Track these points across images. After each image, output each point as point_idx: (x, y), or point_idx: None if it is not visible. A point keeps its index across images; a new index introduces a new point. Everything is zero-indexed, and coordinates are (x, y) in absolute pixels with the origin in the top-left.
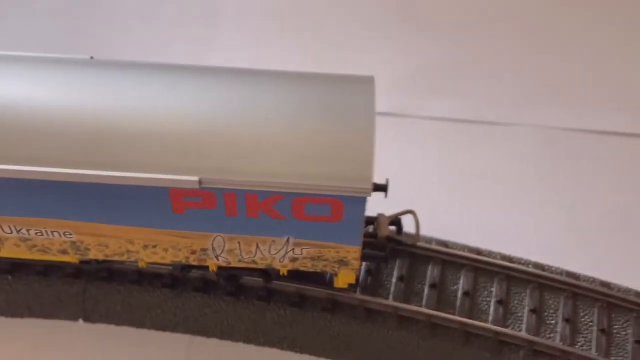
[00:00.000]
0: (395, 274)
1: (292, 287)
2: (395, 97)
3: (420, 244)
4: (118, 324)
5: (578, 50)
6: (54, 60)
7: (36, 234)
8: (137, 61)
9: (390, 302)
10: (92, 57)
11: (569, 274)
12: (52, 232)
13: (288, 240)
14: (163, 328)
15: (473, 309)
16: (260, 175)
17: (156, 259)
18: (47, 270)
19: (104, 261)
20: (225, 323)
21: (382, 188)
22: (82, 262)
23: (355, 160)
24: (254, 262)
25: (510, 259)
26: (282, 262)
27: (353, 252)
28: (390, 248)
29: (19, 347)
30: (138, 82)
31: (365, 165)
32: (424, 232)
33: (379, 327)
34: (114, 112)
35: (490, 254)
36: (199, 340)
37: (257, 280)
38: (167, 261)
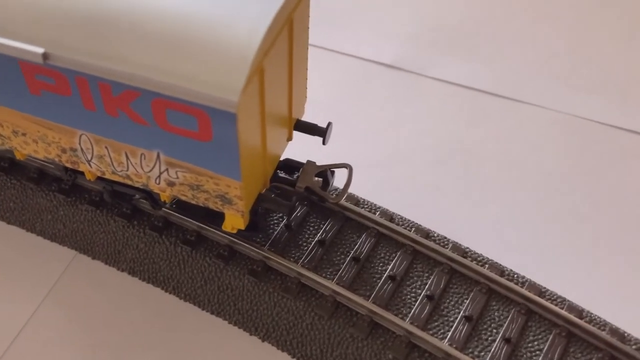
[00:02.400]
0: (318, 236)
1: (192, 224)
2: (407, 53)
3: (357, 209)
4: (9, 222)
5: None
6: None
7: None
8: None
9: (297, 266)
10: None
11: (533, 286)
12: None
13: (158, 156)
14: (51, 237)
15: (394, 299)
16: (114, 61)
17: (29, 150)
18: None
19: None
20: (113, 247)
21: (319, 131)
22: None
23: (228, 66)
24: (128, 177)
25: (463, 252)
26: (159, 183)
27: (234, 187)
28: (296, 200)
29: None
30: None
31: (237, 73)
32: (384, 199)
33: (274, 290)
34: None
35: (441, 240)
36: (83, 259)
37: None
38: (41, 156)
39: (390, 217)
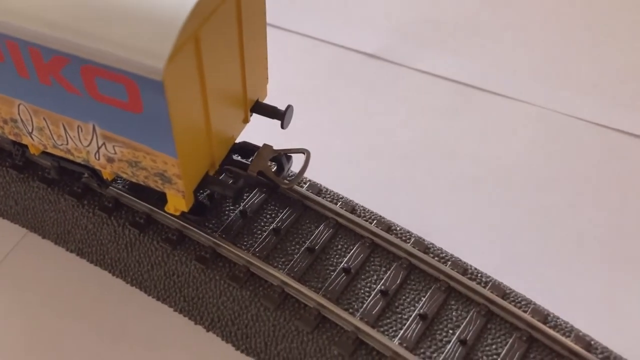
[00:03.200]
0: (273, 224)
1: (142, 205)
2: (389, 43)
3: (317, 198)
4: None
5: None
6: None
7: None
8: None
9: (247, 254)
10: None
11: (497, 287)
12: None
13: (94, 129)
14: (2, 214)
15: (346, 293)
16: (40, 23)
17: None
18: None
19: None
20: (62, 226)
21: (278, 114)
22: None
23: (156, 32)
24: (69, 151)
25: (426, 247)
26: (98, 159)
27: (171, 164)
28: (243, 184)
29: None
30: None
31: (165, 39)
32: (350, 191)
33: (221, 277)
34: None
35: (403, 234)
36: (34, 237)
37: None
38: None
39: (352, 208)
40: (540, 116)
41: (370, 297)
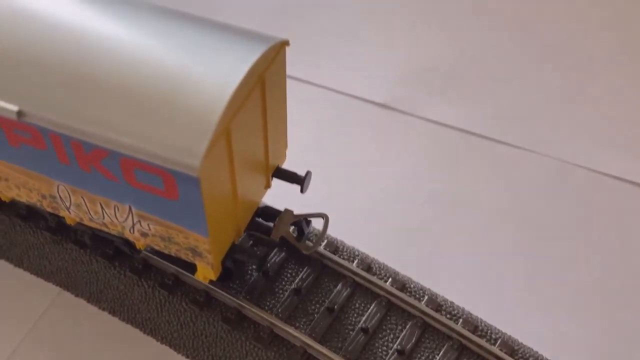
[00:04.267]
0: (294, 284)
1: (170, 267)
2: (399, 92)
3: (335, 257)
4: None
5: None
6: None
7: None
8: None
9: (270, 315)
10: None
11: (506, 344)
12: None
13: (130, 210)
14: (37, 273)
15: (365, 352)
16: (82, 121)
17: (13, 194)
18: None
19: None
20: (95, 286)
21: (298, 179)
22: None
23: (191, 129)
24: (105, 225)
25: (438, 305)
26: (133, 233)
27: (202, 242)
28: (266, 251)
29: None
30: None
31: (200, 138)
32: (364, 244)
33: (247, 339)
34: None
35: (417, 291)
36: (67, 296)
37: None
38: (24, 200)
39: (368, 265)
40: (544, 165)
41: (388, 356)
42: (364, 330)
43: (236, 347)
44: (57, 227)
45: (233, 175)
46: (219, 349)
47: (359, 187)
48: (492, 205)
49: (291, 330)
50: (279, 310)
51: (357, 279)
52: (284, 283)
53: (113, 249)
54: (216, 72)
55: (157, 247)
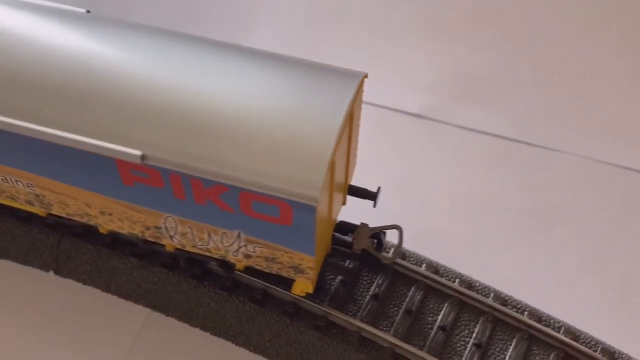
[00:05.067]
0: (372, 290)
1: (258, 283)
2: (432, 101)
3: (405, 263)
4: (85, 282)
5: None
6: (44, 9)
7: (2, 180)
8: (130, 22)
9: (356, 321)
10: (88, 11)
11: (569, 331)
12: (17, 182)
13: (239, 235)
14: (126, 296)
15: (446, 348)
16: (206, 162)
17: (114, 227)
18: (29, 216)
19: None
20: (186, 305)
21: (371, 196)
22: (51, 215)
23: (308, 164)
24: (209, 250)
25: (504, 301)
26: (236, 256)
27: (307, 260)
28: (360, 263)
29: None
30: (115, 44)
31: (317, 170)
32: (423, 249)
33: (338, 344)
34: (73, 68)
35: (483, 289)
36: (158, 316)
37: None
38: (125, 232)
39: (436, 269)
40: (586, 167)
41: (467, 350)
42: (442, 328)
43: (328, 353)
44: (144, 253)
45: (331, 198)
46: (312, 355)
47: (405, 197)
48: (531, 205)
49: (379, 332)
50: (363, 315)
51: (428, 282)
52: (361, 290)
53: (202, 270)
54: (320, 112)
55: (258, 267)
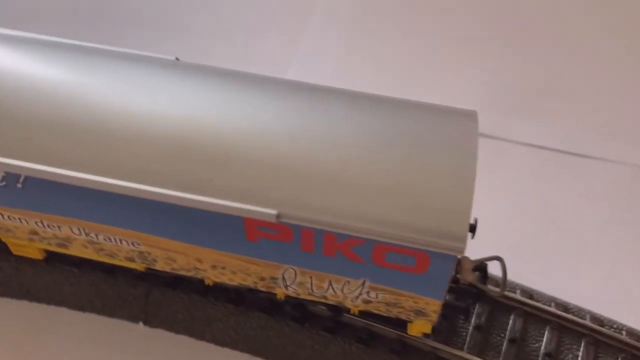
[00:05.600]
0: (473, 321)
1: (361, 322)
2: (484, 118)
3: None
4: (177, 331)
5: None
6: (136, 58)
7: (104, 239)
8: (223, 68)
9: (465, 353)
10: (177, 59)
11: None
12: (121, 240)
13: (364, 283)
14: (222, 343)
15: None
16: (342, 216)
17: (223, 279)
18: (114, 268)
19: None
20: (287, 348)
21: (469, 228)
22: (149, 269)
23: (449, 213)
24: (324, 297)
25: (600, 322)
26: (354, 302)
27: (433, 304)
28: (473, 299)
29: (77, 341)
30: (225, 95)
31: (460, 220)
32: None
33: None
34: (193, 126)
35: (578, 311)
36: None
37: (325, 309)
38: (235, 283)
39: (530, 294)
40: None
41: None
42: (548, 354)
43: None
44: (238, 297)
45: None
46: None
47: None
48: (598, 219)
49: None
50: (470, 347)
51: (526, 308)
52: (461, 322)
53: (301, 311)
54: (451, 158)
55: (375, 311)
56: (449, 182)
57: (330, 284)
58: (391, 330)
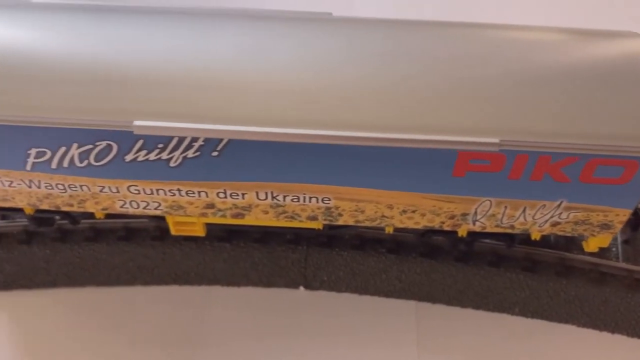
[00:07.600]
0: (619, 236)
1: (520, 251)
2: None
3: None
4: (339, 290)
5: None
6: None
7: (292, 200)
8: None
9: (621, 263)
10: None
11: None
12: (310, 199)
13: (560, 204)
14: (387, 294)
15: None
16: (566, 136)
17: (409, 224)
18: (265, 237)
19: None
20: (454, 289)
21: None
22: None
23: None
24: (512, 226)
25: None
26: (542, 227)
27: (622, 214)
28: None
29: (238, 312)
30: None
31: None
32: None
33: (614, 290)
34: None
35: None
36: (425, 305)
37: (486, 246)
38: (420, 226)
39: None
40: None
41: None
42: None
43: (608, 300)
44: (397, 246)
45: None
46: (592, 306)
47: None
48: None
49: None
50: (625, 259)
51: None
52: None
53: (464, 251)
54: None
55: (559, 233)
56: (626, 88)
57: (524, 210)
58: (550, 252)
